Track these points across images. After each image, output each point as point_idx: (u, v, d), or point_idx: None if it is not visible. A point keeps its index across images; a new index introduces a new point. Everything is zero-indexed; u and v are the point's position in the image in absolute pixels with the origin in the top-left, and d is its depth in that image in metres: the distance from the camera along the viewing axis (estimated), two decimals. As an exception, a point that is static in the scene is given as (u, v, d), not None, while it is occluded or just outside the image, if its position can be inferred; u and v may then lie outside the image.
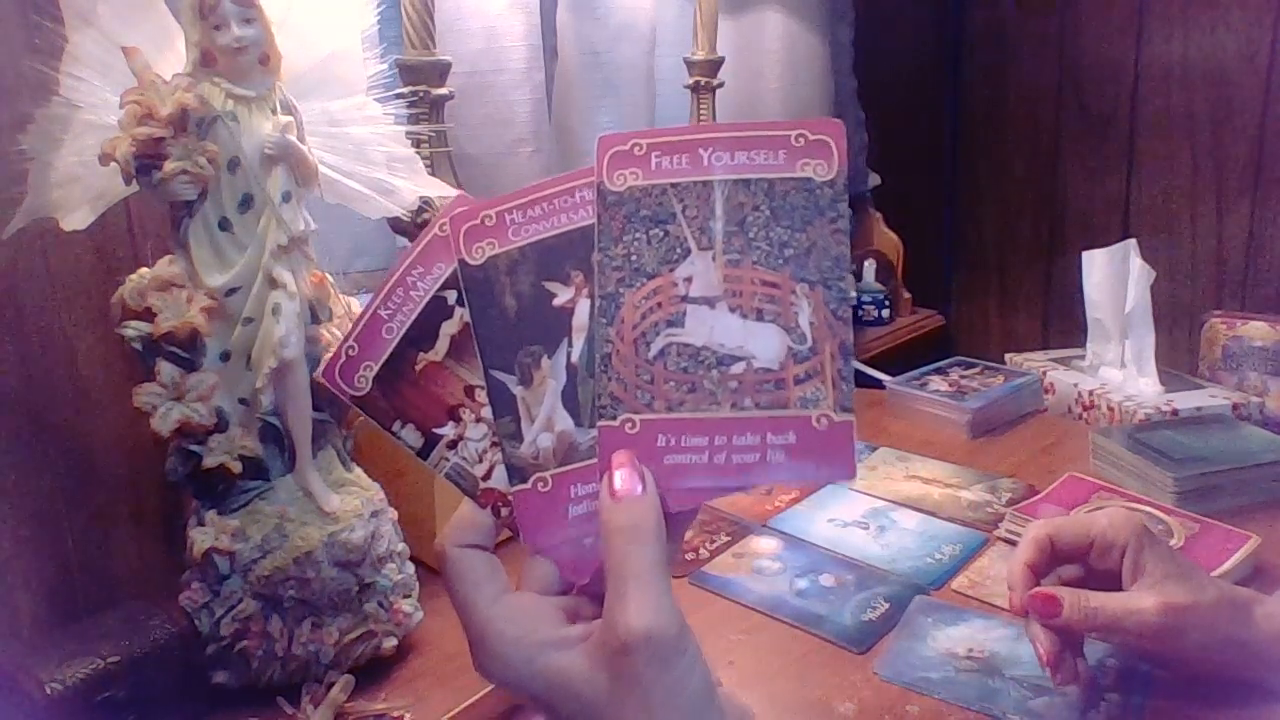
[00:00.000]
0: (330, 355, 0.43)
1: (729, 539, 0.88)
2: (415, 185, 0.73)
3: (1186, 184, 1.56)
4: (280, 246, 0.65)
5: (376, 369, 0.42)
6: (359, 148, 0.70)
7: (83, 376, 0.74)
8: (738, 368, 0.40)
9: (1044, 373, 1.24)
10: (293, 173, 0.65)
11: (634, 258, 0.41)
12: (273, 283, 0.65)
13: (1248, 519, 0.85)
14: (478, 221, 0.42)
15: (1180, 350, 1.48)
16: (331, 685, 0.67)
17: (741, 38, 1.37)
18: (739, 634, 0.74)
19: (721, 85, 1.15)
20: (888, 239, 1.61)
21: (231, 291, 0.64)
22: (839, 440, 0.39)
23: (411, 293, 0.42)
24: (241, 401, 0.66)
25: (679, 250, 0.41)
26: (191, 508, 0.67)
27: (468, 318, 0.42)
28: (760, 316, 0.40)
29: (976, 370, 1.24)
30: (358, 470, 0.73)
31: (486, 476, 0.41)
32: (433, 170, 0.83)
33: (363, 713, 0.66)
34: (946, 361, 1.28)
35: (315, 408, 0.69)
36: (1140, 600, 0.61)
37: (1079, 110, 1.66)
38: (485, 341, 0.41)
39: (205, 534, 0.65)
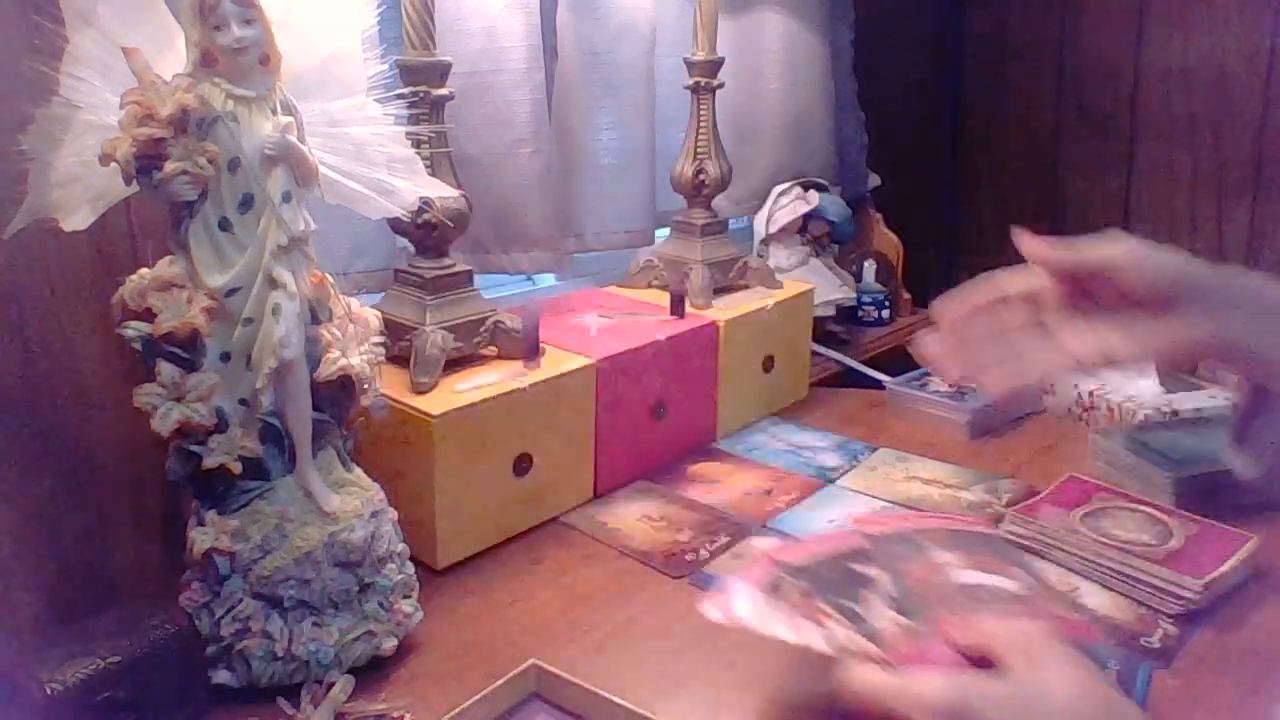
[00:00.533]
0: (718, 591, 0.67)
1: (729, 539, 0.88)
2: (415, 185, 0.73)
3: (1186, 184, 1.56)
4: (280, 247, 0.65)
5: (744, 604, 0.64)
6: (359, 148, 0.70)
7: (83, 376, 0.74)
8: (1002, 593, 0.65)
9: (1044, 373, 1.24)
10: (293, 173, 0.65)
11: (899, 552, 0.68)
12: (273, 283, 0.65)
13: (1247, 519, 0.85)
14: (786, 548, 0.70)
15: (1180, 350, 1.48)
16: (331, 685, 0.67)
17: (741, 38, 1.37)
18: (739, 634, 0.74)
19: (721, 85, 1.15)
20: (888, 239, 1.61)
21: (232, 292, 0.64)
22: (1086, 626, 0.68)
23: (752, 574, 0.67)
24: (241, 402, 0.67)
25: (928, 549, 0.69)
26: (191, 508, 0.67)
27: (801, 586, 0.65)
28: (995, 575, 0.67)
29: (976, 370, 1.24)
30: (358, 470, 0.73)
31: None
32: (433, 170, 0.83)
33: (363, 713, 0.66)
34: (946, 362, 1.27)
35: (315, 408, 0.69)
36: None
37: (1079, 110, 1.66)
38: (819, 590, 0.64)
39: (205, 534, 0.65)
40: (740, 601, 0.64)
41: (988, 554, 0.69)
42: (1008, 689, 0.52)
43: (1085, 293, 0.67)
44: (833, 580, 0.65)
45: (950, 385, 0.75)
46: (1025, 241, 0.69)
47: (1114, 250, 0.66)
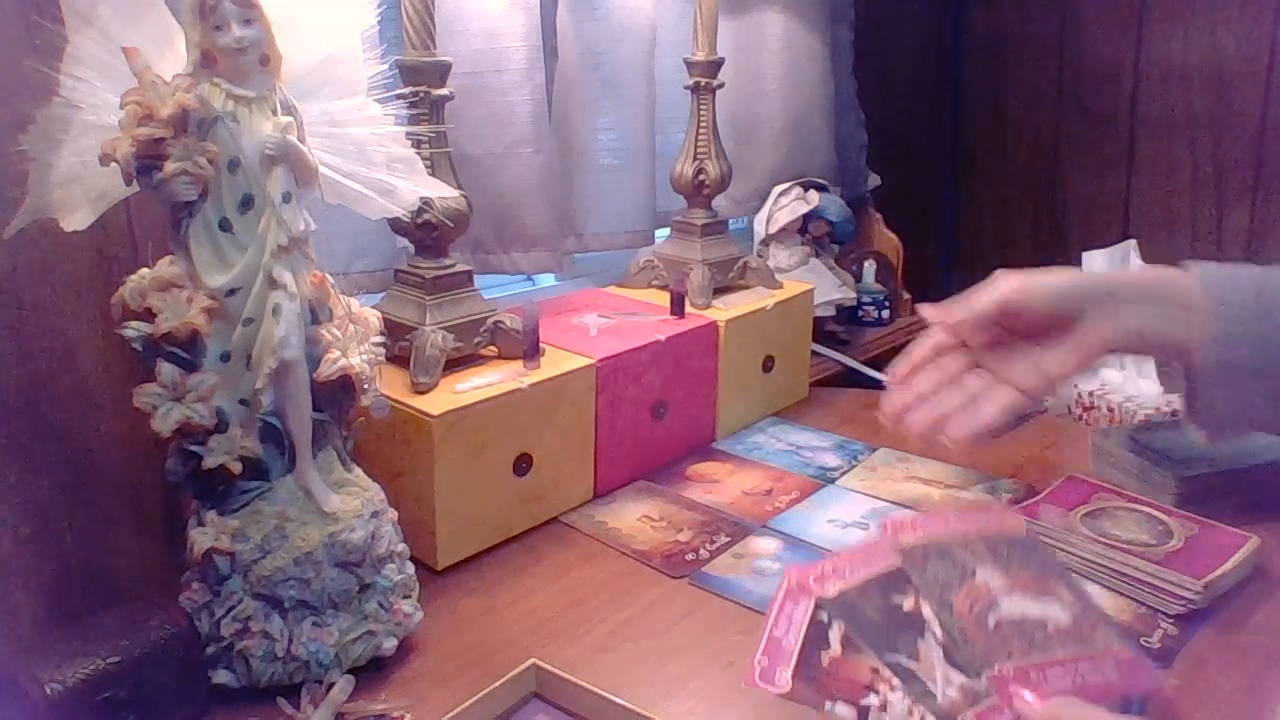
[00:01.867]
0: (750, 670, 0.59)
1: (729, 539, 0.88)
2: (415, 185, 0.73)
3: (1186, 184, 1.56)
4: (280, 247, 0.65)
5: (790, 669, 0.57)
6: (359, 148, 0.70)
7: (83, 376, 0.74)
8: (1050, 626, 0.60)
9: (1044, 373, 1.24)
10: (293, 173, 0.65)
11: (941, 577, 0.62)
12: (273, 283, 0.65)
13: (1248, 519, 0.85)
14: (819, 573, 0.61)
15: (1180, 350, 1.48)
16: (331, 685, 0.67)
17: (741, 38, 1.37)
18: (739, 634, 0.74)
19: (721, 86, 1.15)
20: (888, 239, 1.61)
21: (232, 292, 0.64)
22: (1138, 663, 0.61)
23: (792, 618, 0.59)
24: (242, 402, 0.67)
25: (969, 568, 0.63)
26: (191, 508, 0.67)
27: (845, 629, 0.58)
28: (1040, 598, 0.61)
29: (976, 370, 1.24)
30: (358, 470, 0.73)
31: None
32: (433, 170, 0.83)
33: (363, 713, 0.66)
34: (946, 362, 1.27)
35: (315, 408, 0.69)
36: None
37: (1079, 110, 1.66)
38: (868, 641, 0.58)
39: (205, 534, 0.65)
40: (783, 673, 0.59)
41: (1027, 568, 0.66)
42: None
43: (1008, 330, 0.73)
44: (877, 622, 0.61)
45: (919, 439, 0.77)
46: (925, 311, 0.75)
47: (1002, 290, 0.71)
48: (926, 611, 0.61)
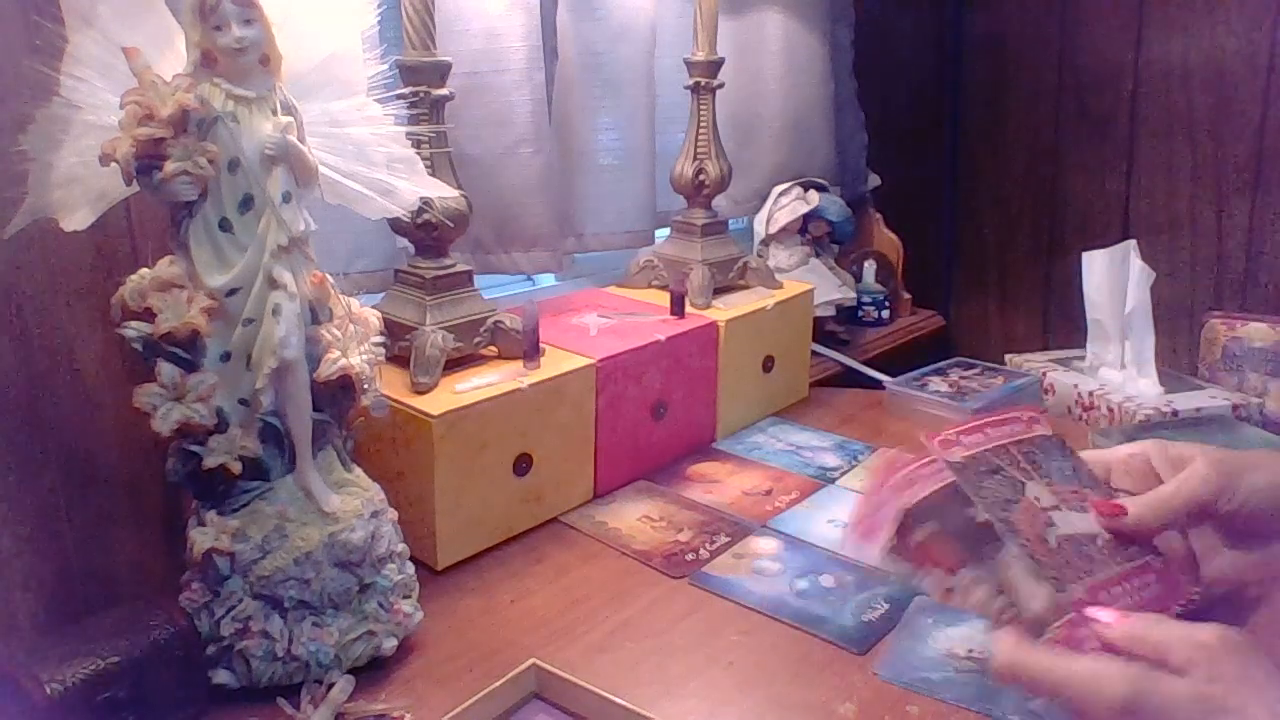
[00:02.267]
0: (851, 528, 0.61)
1: (729, 539, 0.88)
2: (415, 186, 0.73)
3: (1186, 184, 1.56)
4: (280, 247, 0.65)
5: (889, 534, 0.59)
6: (359, 148, 0.70)
7: (83, 376, 0.74)
8: (1100, 540, 0.59)
9: (1044, 373, 1.24)
10: (293, 173, 0.65)
11: (997, 493, 0.60)
12: (273, 283, 0.65)
13: (1247, 519, 0.85)
14: (894, 483, 0.62)
15: (1180, 351, 1.48)
16: (331, 685, 0.67)
17: (741, 38, 1.37)
18: (739, 634, 0.74)
19: (721, 86, 1.15)
20: (888, 239, 1.61)
21: (232, 292, 0.64)
22: (1174, 574, 0.59)
23: (885, 504, 0.61)
24: (241, 402, 0.67)
25: (1018, 483, 0.61)
26: (191, 508, 0.68)
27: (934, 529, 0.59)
28: (1085, 511, 0.60)
29: (976, 371, 1.24)
30: (358, 470, 0.73)
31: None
32: (433, 170, 0.83)
33: (363, 713, 0.66)
34: (946, 362, 1.28)
35: (315, 408, 0.69)
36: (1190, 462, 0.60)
37: (1079, 111, 1.66)
38: (955, 549, 0.59)
39: (205, 534, 0.65)
40: (886, 531, 0.60)
41: (1065, 478, 0.64)
42: (1190, 693, 0.48)
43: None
44: (960, 530, 0.60)
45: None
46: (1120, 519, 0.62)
47: (1200, 493, 0.60)
48: (1000, 531, 0.59)
